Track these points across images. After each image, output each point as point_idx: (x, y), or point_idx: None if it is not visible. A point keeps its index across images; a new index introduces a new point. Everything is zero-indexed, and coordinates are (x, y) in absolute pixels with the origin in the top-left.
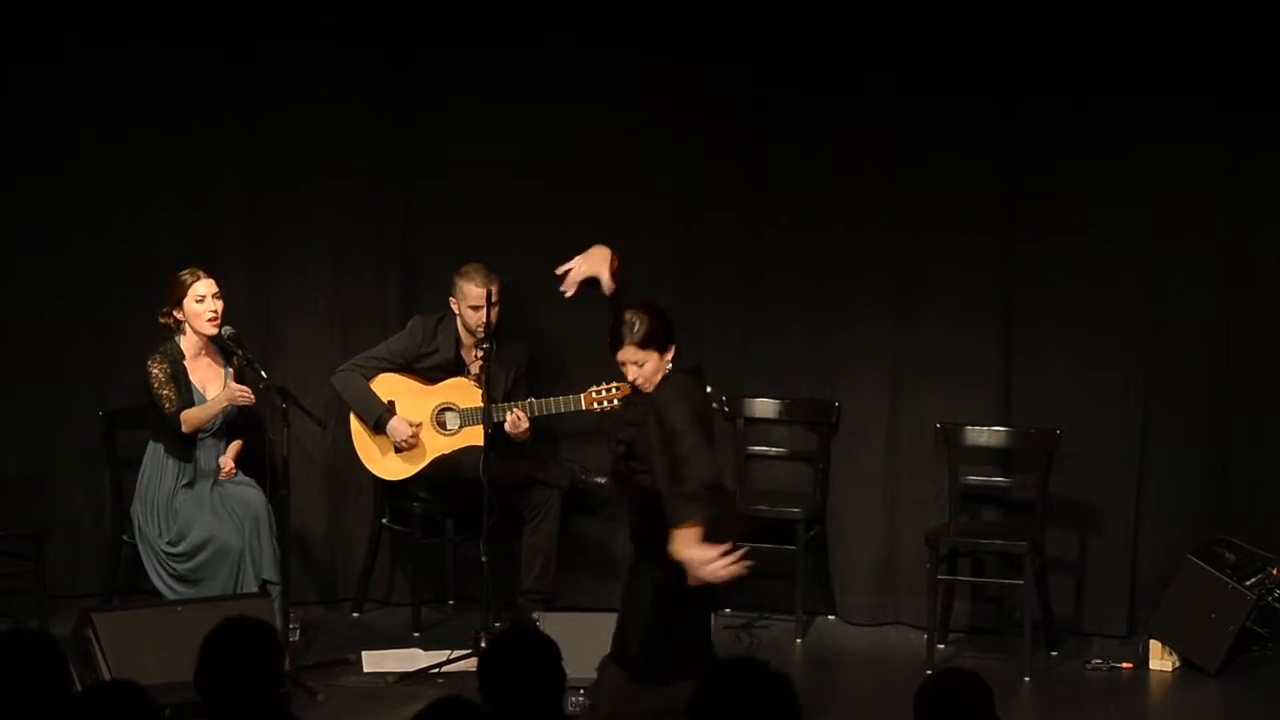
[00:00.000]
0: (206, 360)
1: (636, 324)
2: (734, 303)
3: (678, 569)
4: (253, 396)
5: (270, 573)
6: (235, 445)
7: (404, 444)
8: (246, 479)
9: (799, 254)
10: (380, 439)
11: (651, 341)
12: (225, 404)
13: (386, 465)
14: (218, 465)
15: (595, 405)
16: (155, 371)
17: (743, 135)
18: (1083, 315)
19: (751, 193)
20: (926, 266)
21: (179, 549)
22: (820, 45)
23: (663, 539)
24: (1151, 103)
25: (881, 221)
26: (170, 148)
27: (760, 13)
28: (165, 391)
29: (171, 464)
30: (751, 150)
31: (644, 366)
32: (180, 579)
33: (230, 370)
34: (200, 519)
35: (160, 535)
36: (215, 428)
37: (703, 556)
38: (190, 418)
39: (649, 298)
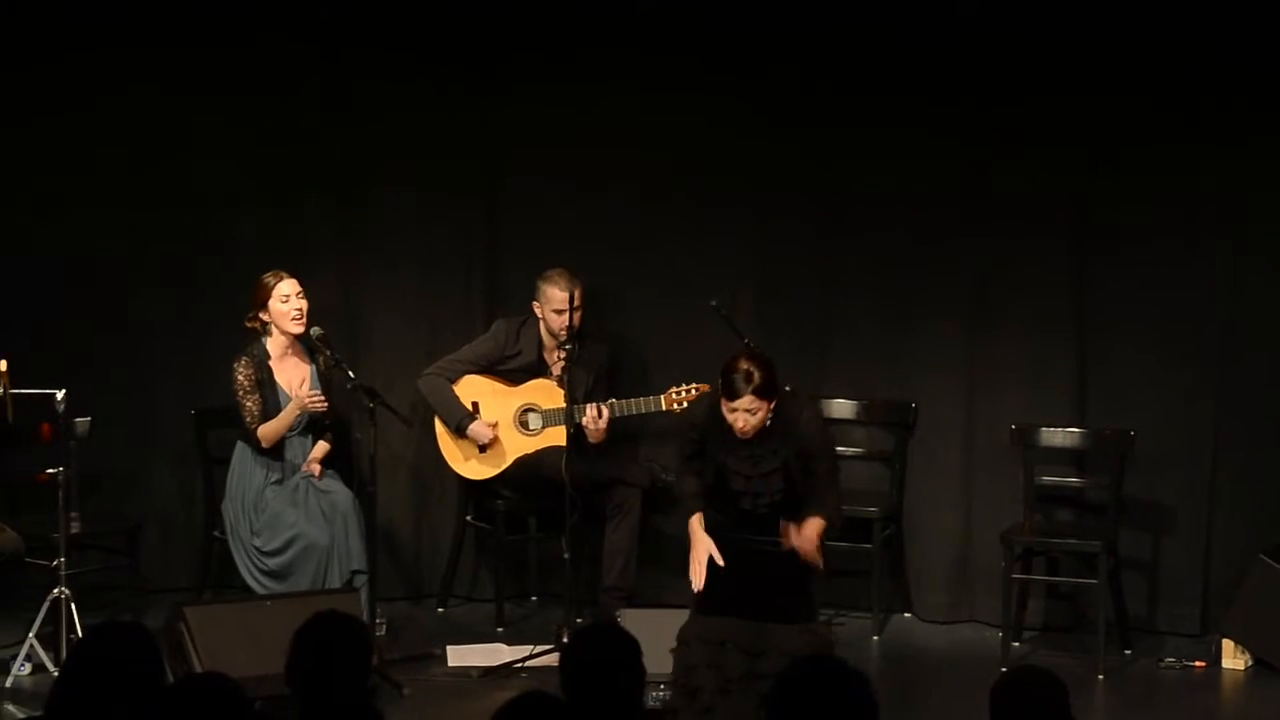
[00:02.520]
0: (293, 360)
1: (756, 375)
2: (812, 305)
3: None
4: (324, 400)
5: (359, 563)
6: (321, 446)
7: (486, 445)
8: (332, 474)
9: (875, 257)
10: (464, 439)
11: (767, 391)
12: (298, 412)
13: (471, 465)
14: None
15: (675, 405)
16: (240, 378)
17: (818, 140)
18: (1156, 317)
19: (828, 196)
20: (1001, 269)
21: (268, 546)
22: (896, 51)
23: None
24: (1223, 105)
25: (957, 225)
26: (260, 150)
27: (835, 19)
28: (248, 402)
29: (260, 462)
30: (827, 154)
31: (756, 415)
32: (269, 574)
33: (315, 368)
34: (288, 515)
35: (251, 533)
36: (301, 426)
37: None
38: (267, 433)
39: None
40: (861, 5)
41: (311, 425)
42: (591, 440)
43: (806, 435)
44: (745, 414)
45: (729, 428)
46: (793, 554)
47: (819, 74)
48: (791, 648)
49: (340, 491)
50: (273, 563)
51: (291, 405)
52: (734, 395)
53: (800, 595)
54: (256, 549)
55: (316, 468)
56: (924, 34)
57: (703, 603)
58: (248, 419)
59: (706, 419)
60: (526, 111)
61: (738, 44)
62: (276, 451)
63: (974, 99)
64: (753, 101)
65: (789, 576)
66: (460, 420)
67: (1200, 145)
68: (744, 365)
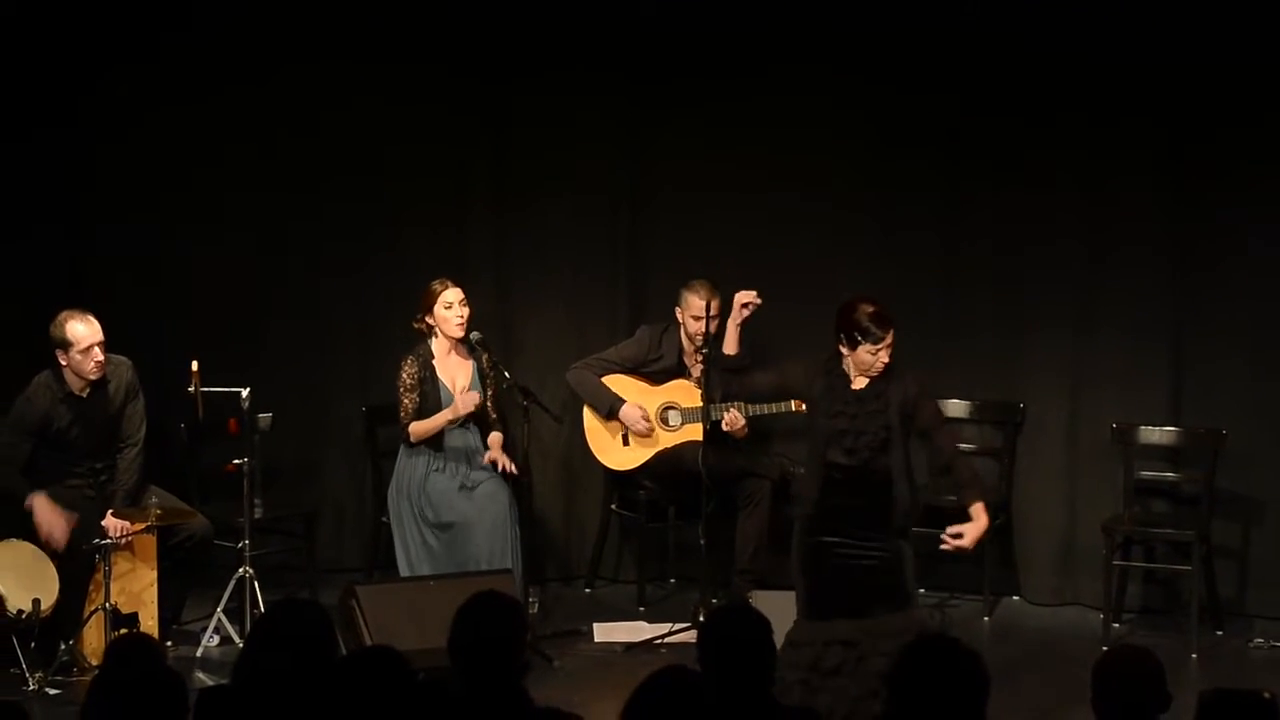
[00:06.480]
0: (456, 359)
1: (887, 310)
2: (930, 311)
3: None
4: (477, 398)
5: (508, 563)
6: (496, 438)
7: (638, 429)
8: (491, 473)
9: (988, 268)
10: (611, 434)
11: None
12: (451, 417)
13: (616, 457)
14: (478, 447)
15: (804, 407)
16: (404, 375)
17: (941, 160)
18: (1248, 324)
19: (948, 212)
20: (1104, 279)
21: (440, 537)
22: (1014, 68)
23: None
24: None
25: (1064, 238)
26: (427, 164)
27: (963, 46)
28: (405, 400)
29: (423, 453)
30: (948, 174)
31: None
32: (432, 546)
33: (477, 365)
34: (458, 504)
35: (415, 516)
36: (460, 422)
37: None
38: (417, 430)
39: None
40: (988, 38)
41: (473, 418)
42: (735, 436)
43: (913, 395)
44: (888, 349)
45: (835, 380)
46: (888, 560)
47: (945, 100)
48: (895, 632)
49: (499, 489)
50: (439, 536)
51: (446, 412)
52: (886, 328)
53: (897, 587)
54: (419, 534)
55: (501, 458)
56: (1038, 50)
57: (810, 608)
58: (402, 414)
59: (810, 380)
60: (668, 130)
61: (869, 69)
62: (437, 442)
63: (1084, 115)
64: (882, 124)
65: (886, 575)
66: (612, 405)
67: None
68: (872, 307)
